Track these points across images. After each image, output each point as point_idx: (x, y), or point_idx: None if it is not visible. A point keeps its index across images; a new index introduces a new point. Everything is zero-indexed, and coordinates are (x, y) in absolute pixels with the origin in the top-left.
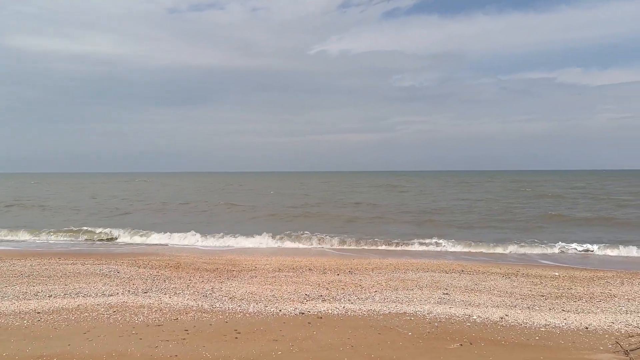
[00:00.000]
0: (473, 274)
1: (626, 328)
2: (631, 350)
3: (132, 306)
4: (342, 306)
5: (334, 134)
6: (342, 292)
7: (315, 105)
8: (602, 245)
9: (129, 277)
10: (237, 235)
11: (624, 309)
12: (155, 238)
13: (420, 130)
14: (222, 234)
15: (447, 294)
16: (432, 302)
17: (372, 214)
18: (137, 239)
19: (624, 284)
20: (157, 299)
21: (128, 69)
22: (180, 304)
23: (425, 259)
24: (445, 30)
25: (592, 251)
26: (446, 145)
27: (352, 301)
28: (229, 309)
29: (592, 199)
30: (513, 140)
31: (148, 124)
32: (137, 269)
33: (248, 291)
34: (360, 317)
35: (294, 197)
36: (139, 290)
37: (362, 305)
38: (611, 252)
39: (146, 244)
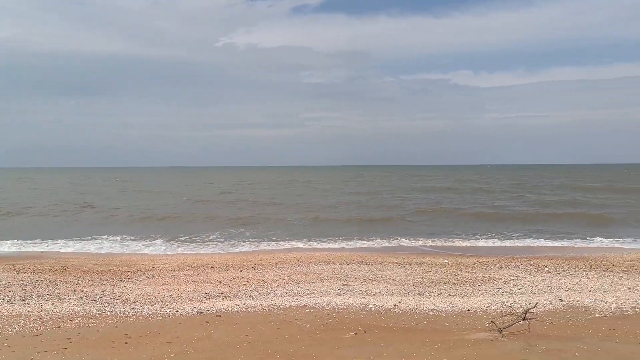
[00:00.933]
0: (372, 264)
1: (502, 308)
2: (504, 328)
3: (6, 316)
4: (243, 303)
5: (243, 129)
6: (244, 288)
7: (223, 98)
8: (477, 234)
9: (4, 283)
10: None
11: (501, 291)
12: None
13: (330, 126)
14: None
15: (346, 284)
16: (332, 293)
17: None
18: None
19: (502, 268)
20: (37, 306)
21: (11, 52)
22: (64, 310)
23: (325, 252)
24: (352, 30)
25: (476, 240)
26: (355, 140)
27: (254, 297)
28: (120, 313)
29: (473, 192)
30: (417, 137)
31: (35, 115)
32: (15, 274)
33: (143, 292)
34: (260, 312)
35: (168, 196)
36: (16, 297)
37: (263, 301)
38: (492, 243)
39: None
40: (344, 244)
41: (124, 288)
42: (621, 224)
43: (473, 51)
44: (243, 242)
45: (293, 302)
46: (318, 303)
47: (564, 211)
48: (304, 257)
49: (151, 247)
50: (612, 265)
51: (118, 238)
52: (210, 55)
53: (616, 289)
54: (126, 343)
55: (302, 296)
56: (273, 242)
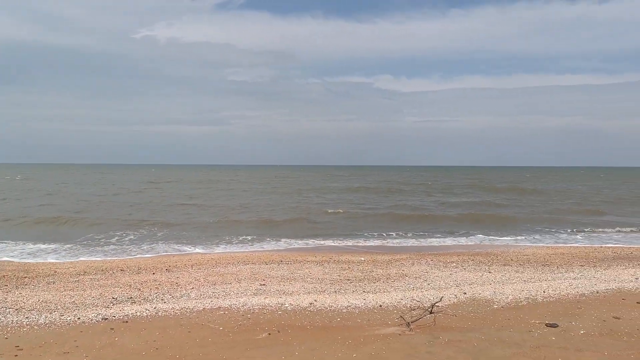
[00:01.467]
0: (291, 263)
1: (411, 303)
2: (412, 322)
3: None
4: (154, 307)
5: (163, 125)
6: (155, 292)
7: (141, 93)
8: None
9: None
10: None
11: (412, 286)
12: None
13: (254, 125)
14: None
15: (264, 284)
16: (249, 294)
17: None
18: None
19: (414, 265)
20: None
21: None
22: None
23: (245, 253)
24: (277, 29)
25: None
26: (280, 140)
27: (166, 300)
28: (12, 323)
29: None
30: (341, 137)
31: None
32: None
33: (41, 299)
34: (171, 316)
35: (66, 196)
36: None
37: (175, 304)
38: (407, 241)
39: None
40: (257, 246)
41: (19, 295)
42: (521, 222)
43: (394, 57)
44: (153, 244)
45: (207, 305)
46: (233, 304)
47: (472, 211)
48: (222, 258)
49: (52, 254)
50: (511, 260)
51: (14, 243)
52: (128, 46)
53: (513, 281)
54: (16, 356)
55: (217, 298)
56: (188, 245)
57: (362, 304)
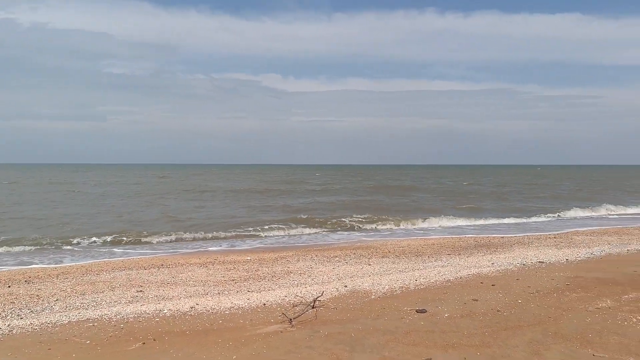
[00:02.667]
0: (172, 267)
1: (295, 299)
2: (294, 318)
3: None
4: (7, 325)
5: (26, 120)
6: (10, 307)
7: None
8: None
9: None
10: None
11: (296, 283)
12: None
13: (135, 121)
14: None
15: (141, 291)
16: (124, 302)
17: None
18: None
19: (299, 261)
20: None
21: None
22: None
23: (122, 258)
24: (160, 21)
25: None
26: (163, 138)
27: (23, 316)
28: None
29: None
30: (229, 135)
31: None
32: None
33: None
34: (29, 333)
35: None
36: None
37: (35, 319)
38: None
39: None
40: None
41: None
42: (395, 215)
43: (281, 56)
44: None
45: (74, 317)
46: (105, 315)
47: (353, 205)
48: (93, 266)
49: None
50: (389, 252)
51: None
52: None
53: (390, 272)
54: None
55: (86, 309)
56: (53, 254)
57: (246, 304)
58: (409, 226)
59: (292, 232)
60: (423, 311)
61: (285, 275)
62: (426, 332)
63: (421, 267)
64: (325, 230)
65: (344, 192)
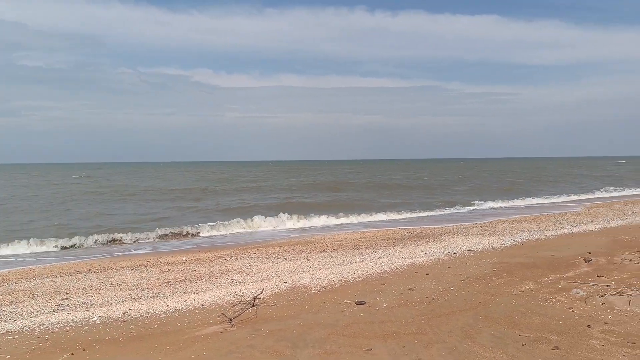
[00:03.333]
0: (101, 271)
1: (234, 298)
2: (234, 317)
3: None
4: None
5: None
6: None
7: None
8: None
9: None
10: None
11: (235, 282)
12: None
13: (54, 118)
14: None
15: (67, 298)
16: (47, 311)
17: None
18: None
19: (237, 259)
20: None
21: None
22: None
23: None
24: (80, 11)
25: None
26: (89, 134)
27: None
28: None
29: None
30: (159, 132)
31: None
32: None
33: None
34: None
35: None
36: None
37: None
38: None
39: None
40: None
41: None
42: (333, 210)
43: (213, 51)
44: None
45: None
46: (26, 326)
47: (288, 201)
48: (10, 274)
49: None
50: (327, 246)
51: None
52: None
53: (329, 266)
54: None
55: (4, 321)
56: None
57: (183, 306)
58: (344, 220)
59: (229, 230)
60: (362, 303)
61: (224, 275)
62: (366, 324)
63: (359, 260)
64: (263, 228)
65: (279, 189)
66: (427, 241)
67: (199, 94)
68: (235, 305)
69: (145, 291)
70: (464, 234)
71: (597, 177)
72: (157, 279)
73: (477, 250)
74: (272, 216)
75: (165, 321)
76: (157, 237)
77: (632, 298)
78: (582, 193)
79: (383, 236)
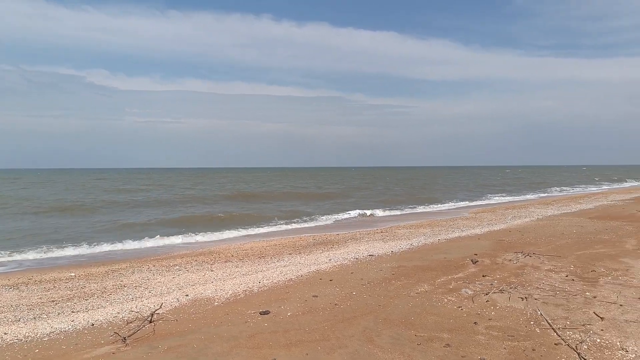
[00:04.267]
0: None
1: (129, 315)
2: (129, 336)
3: None
4: None
5: None
6: None
7: None
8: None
9: None
10: None
11: (131, 297)
12: None
13: None
14: None
15: None
16: None
17: None
18: None
19: (134, 273)
20: None
21: None
22: None
23: None
24: None
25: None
26: None
27: None
28: None
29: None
30: (47, 136)
31: None
32: None
33: None
34: None
35: None
36: None
37: None
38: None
39: None
40: None
41: None
42: (238, 221)
43: (109, 51)
44: None
45: None
46: None
47: (194, 213)
48: None
49: None
50: (232, 256)
51: None
52: None
53: (233, 276)
54: None
55: None
56: None
57: (70, 327)
58: (252, 231)
59: (125, 246)
60: (266, 313)
61: (118, 290)
62: (270, 333)
63: (264, 269)
64: (160, 238)
65: (179, 201)
66: (331, 247)
67: (94, 96)
68: (131, 322)
69: (25, 313)
70: (366, 239)
71: (483, 185)
72: (40, 298)
73: (378, 255)
74: (172, 231)
75: (49, 345)
76: (43, 252)
77: (511, 295)
78: (470, 200)
79: (289, 244)
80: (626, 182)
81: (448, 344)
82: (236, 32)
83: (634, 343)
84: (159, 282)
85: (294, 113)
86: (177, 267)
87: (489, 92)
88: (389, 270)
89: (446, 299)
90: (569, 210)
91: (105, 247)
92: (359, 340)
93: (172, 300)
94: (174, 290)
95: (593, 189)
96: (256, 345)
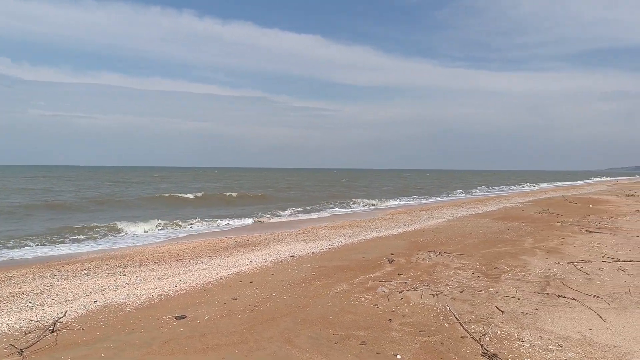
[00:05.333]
0: None
1: (28, 325)
2: (27, 348)
3: None
4: None
5: None
6: None
7: None
8: None
9: None
10: None
11: (31, 305)
12: None
13: None
14: None
15: None
16: None
17: None
18: None
19: (36, 279)
20: None
21: None
22: None
23: None
24: None
25: None
26: None
27: None
28: None
29: None
30: None
31: None
32: None
33: None
34: None
35: None
36: None
37: None
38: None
39: None
40: None
41: None
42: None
43: (10, 37)
44: None
45: None
46: None
47: (107, 214)
48: None
49: None
50: (147, 259)
51: None
52: None
53: (148, 280)
54: None
55: None
56: None
57: None
58: (172, 233)
59: (22, 251)
60: (182, 317)
61: (16, 298)
62: (186, 339)
63: (182, 272)
64: (69, 241)
65: (94, 201)
66: (252, 249)
67: None
68: (30, 332)
69: None
70: (288, 240)
71: (402, 187)
72: None
73: (300, 256)
74: (81, 237)
75: None
76: None
77: (423, 292)
78: (388, 200)
79: (209, 246)
80: (526, 186)
81: (364, 342)
82: (156, 26)
83: (529, 334)
84: (64, 288)
85: (218, 112)
86: (86, 271)
87: (411, 98)
88: (309, 271)
89: (363, 297)
90: (477, 212)
91: None
92: (278, 341)
93: (78, 308)
94: (81, 296)
95: (497, 192)
96: (170, 352)
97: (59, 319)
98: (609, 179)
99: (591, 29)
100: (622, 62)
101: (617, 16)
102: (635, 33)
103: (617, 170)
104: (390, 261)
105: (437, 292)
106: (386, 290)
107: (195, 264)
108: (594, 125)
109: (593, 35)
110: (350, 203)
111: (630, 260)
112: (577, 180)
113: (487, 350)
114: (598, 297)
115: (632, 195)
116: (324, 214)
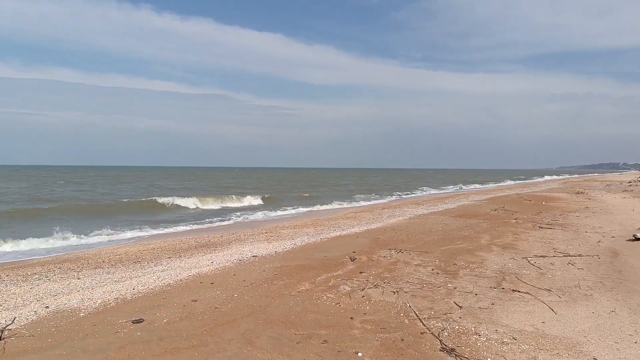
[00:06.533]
0: None
1: None
2: None
3: None
4: None
5: None
6: None
7: None
8: None
9: None
10: None
11: None
12: None
13: None
14: None
15: None
16: None
17: None
18: None
19: None
20: None
21: None
22: None
23: None
24: None
25: None
26: None
27: None
28: None
29: None
30: None
31: None
32: None
33: None
34: None
35: None
36: None
37: None
38: None
39: None
40: None
41: None
42: (111, 222)
43: None
44: None
45: None
46: None
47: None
48: None
49: None
50: (104, 261)
51: None
52: None
53: (104, 284)
54: None
55: None
56: None
57: None
58: (130, 234)
59: None
60: (140, 321)
61: None
62: (143, 343)
63: (140, 275)
64: (14, 244)
65: (44, 199)
66: (214, 250)
67: None
68: None
69: None
70: (250, 240)
71: (363, 187)
72: None
73: (262, 256)
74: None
75: None
76: None
77: (384, 289)
78: (352, 200)
79: (169, 247)
80: (481, 184)
81: (326, 340)
82: (112, 20)
83: (485, 328)
84: (13, 293)
85: (177, 110)
86: (37, 275)
87: (372, 97)
88: (271, 271)
89: (326, 296)
90: (436, 210)
91: None
92: (239, 343)
93: (28, 314)
94: (31, 302)
95: (454, 190)
96: (127, 357)
97: (7, 325)
98: (560, 177)
99: (542, 34)
100: (571, 66)
101: (567, 21)
102: (584, 38)
103: (567, 169)
104: (353, 259)
105: (398, 289)
106: (348, 289)
107: (155, 266)
108: (545, 126)
109: (544, 39)
110: (316, 204)
111: (579, 255)
112: (532, 178)
113: (446, 345)
114: (550, 290)
115: (581, 192)
116: (290, 212)
